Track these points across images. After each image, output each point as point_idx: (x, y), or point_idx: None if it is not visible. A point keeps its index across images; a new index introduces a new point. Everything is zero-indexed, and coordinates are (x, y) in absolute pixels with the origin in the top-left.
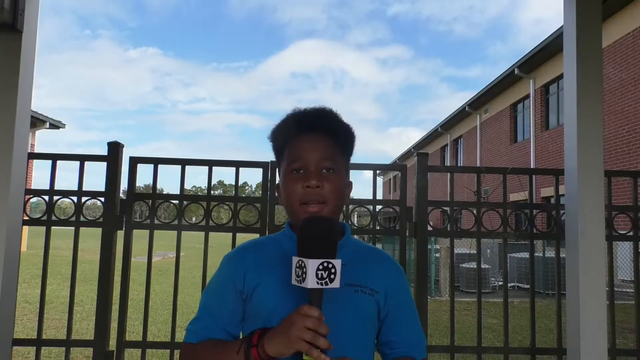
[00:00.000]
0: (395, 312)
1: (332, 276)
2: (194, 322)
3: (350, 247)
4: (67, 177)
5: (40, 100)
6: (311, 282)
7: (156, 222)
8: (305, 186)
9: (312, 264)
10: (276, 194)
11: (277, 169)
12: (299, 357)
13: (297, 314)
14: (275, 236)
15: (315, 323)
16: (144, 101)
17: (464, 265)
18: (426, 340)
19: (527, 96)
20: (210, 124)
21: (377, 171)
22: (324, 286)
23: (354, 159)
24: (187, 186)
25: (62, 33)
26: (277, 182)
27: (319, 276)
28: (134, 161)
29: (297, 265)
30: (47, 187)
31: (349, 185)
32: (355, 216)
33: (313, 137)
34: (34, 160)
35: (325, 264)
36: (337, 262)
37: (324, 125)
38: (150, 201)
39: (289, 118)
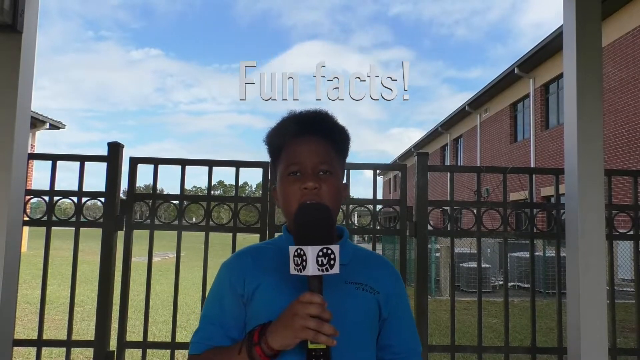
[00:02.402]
0: (395, 315)
1: (332, 262)
2: (196, 333)
3: (349, 249)
4: (67, 177)
5: (42, 101)
6: (312, 269)
7: (156, 222)
8: (303, 188)
9: (312, 251)
10: (273, 197)
11: (272, 172)
12: (304, 346)
13: (298, 303)
14: (273, 241)
15: (319, 309)
16: (145, 102)
17: (464, 264)
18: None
19: (527, 95)
20: (212, 124)
21: (377, 171)
22: (325, 272)
23: (354, 159)
24: (188, 186)
25: (67, 36)
26: (272, 185)
27: (320, 262)
28: (134, 161)
29: (296, 254)
30: (48, 188)
31: (346, 187)
32: (356, 216)
33: (310, 140)
34: (34, 161)
35: (325, 250)
36: (336, 248)
37: (321, 128)
38: (151, 201)
39: (284, 121)
